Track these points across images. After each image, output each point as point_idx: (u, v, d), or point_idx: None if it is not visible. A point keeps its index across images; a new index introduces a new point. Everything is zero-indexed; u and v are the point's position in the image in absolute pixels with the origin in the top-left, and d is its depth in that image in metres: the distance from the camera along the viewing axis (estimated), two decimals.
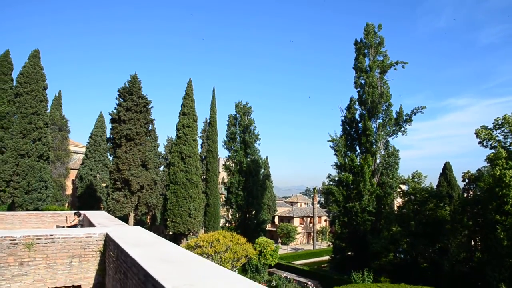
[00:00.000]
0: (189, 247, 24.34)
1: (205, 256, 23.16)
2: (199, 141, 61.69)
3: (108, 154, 57.46)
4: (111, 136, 47.84)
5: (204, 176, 55.07)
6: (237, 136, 52.09)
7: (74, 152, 68.02)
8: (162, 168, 67.15)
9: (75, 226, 13.42)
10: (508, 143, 26.69)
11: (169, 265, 5.55)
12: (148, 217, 67.10)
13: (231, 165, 52.04)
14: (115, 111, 46.90)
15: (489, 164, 27.69)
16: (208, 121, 55.50)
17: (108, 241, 9.20)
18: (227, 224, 52.56)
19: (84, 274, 9.36)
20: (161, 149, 70.18)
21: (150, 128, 51.95)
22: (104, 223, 13.18)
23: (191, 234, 50.57)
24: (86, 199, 58.49)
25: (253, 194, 49.58)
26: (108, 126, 49.69)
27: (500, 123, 27.08)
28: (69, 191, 64.77)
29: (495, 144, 26.97)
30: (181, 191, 47.58)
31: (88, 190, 59.02)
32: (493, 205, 25.40)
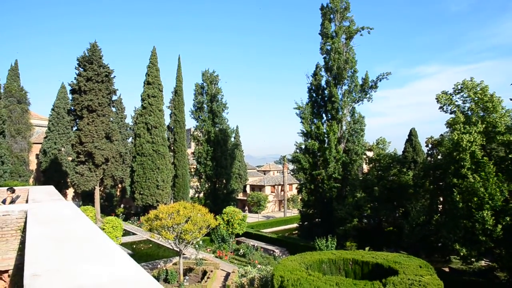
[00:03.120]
0: (148, 220, 23.81)
1: (166, 228, 22.72)
2: (167, 112, 60.27)
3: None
4: (72, 107, 45.93)
5: (172, 147, 54.09)
6: (205, 105, 51.01)
7: (36, 126, 65.18)
8: (130, 140, 65.53)
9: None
10: (466, 108, 26.90)
11: (55, 246, 4.93)
12: (118, 190, 65.95)
13: (199, 135, 51.21)
14: (75, 81, 44.83)
15: (449, 129, 27.95)
16: (174, 90, 53.93)
17: (27, 219, 8.46)
18: (196, 195, 52.24)
19: (2, 255, 8.62)
20: (128, 120, 68.36)
21: (113, 98, 50.06)
22: (40, 198, 12.35)
23: (161, 205, 50.16)
24: (51, 173, 56.65)
25: (221, 164, 49.16)
26: (70, 97, 47.63)
27: (459, 88, 27.14)
28: (33, 166, 62.51)
29: (454, 109, 27.15)
30: (148, 162, 46.67)
31: (53, 165, 57.09)
32: (451, 169, 25.81)
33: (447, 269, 31.16)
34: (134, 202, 49.89)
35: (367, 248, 31.67)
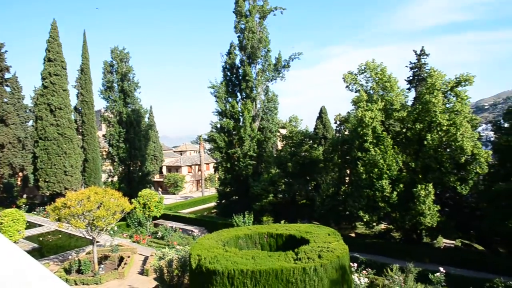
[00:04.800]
0: (56, 209, 22.16)
1: (76, 216, 21.41)
2: (73, 92, 55.85)
3: None
4: None
5: (81, 130, 50.54)
6: (115, 85, 48.27)
7: None
8: (31, 123, 59.67)
9: None
10: (369, 87, 29.17)
11: None
12: (18, 179, 60.08)
13: (110, 116, 48.53)
14: None
15: (354, 107, 30.08)
16: (81, 68, 50.03)
17: None
18: (109, 179, 49.85)
19: None
20: (28, 101, 62.05)
21: (7, 76, 45.02)
22: None
23: (69, 192, 46.91)
24: None
25: (135, 146, 47.40)
26: None
27: (363, 68, 29.26)
28: None
29: (359, 88, 29.26)
30: (53, 147, 43.19)
31: None
32: (356, 144, 27.99)
33: (353, 234, 34.18)
34: (39, 191, 45.98)
35: (282, 221, 33.20)
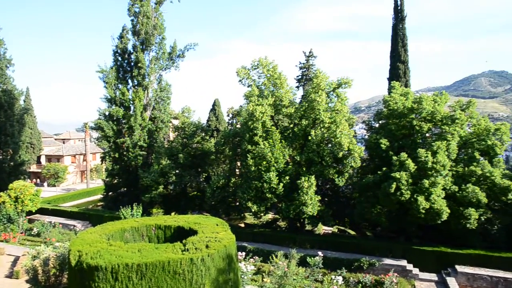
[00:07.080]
0: None
1: None
2: None
3: None
4: None
5: None
6: None
7: None
8: None
9: None
10: (260, 83, 30.35)
11: None
12: None
13: None
14: None
15: (246, 101, 30.98)
16: None
17: None
18: None
19: None
20: None
21: None
22: None
23: None
24: None
25: (6, 132, 42.11)
26: None
27: (256, 64, 30.30)
28: None
29: (251, 83, 30.26)
30: None
31: None
32: (247, 137, 28.92)
33: (242, 225, 35.45)
34: None
35: (173, 213, 32.82)
